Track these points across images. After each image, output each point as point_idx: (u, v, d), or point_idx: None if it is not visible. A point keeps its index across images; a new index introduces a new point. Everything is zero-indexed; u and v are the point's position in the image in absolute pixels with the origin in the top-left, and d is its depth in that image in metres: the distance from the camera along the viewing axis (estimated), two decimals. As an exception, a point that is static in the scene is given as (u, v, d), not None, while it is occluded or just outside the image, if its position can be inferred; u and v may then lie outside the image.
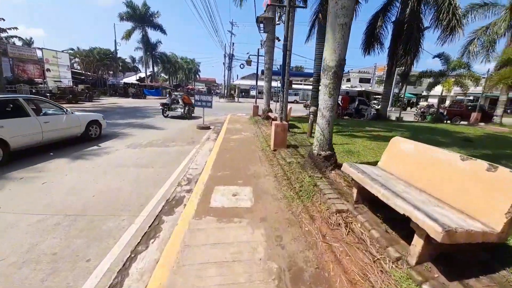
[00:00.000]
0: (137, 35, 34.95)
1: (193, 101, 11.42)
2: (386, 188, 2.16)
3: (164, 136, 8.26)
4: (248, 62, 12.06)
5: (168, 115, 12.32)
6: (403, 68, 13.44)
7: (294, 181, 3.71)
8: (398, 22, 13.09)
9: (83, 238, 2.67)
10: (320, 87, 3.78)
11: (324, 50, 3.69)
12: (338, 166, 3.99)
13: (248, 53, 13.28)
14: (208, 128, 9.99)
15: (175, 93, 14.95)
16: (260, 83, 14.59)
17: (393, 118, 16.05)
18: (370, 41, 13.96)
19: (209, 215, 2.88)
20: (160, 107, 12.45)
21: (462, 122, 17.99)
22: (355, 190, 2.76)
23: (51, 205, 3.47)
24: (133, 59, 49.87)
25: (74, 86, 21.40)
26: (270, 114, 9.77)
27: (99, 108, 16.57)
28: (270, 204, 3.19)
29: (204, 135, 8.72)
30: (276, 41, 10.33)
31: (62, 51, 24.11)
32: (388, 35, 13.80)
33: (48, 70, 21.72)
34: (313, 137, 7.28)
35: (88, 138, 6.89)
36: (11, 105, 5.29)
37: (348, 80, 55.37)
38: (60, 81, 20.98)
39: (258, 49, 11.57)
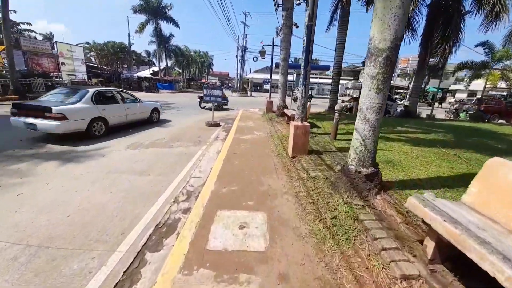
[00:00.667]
0: (150, 28, 34.66)
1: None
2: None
3: (170, 134, 7.52)
4: (262, 53, 10.96)
5: (204, 106, 14.20)
6: (439, 58, 11.72)
7: (324, 207, 2.73)
8: (436, 3, 11.36)
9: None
10: (363, 79, 2.73)
11: (371, 27, 2.62)
12: (384, 186, 2.94)
13: (262, 42, 12.17)
14: (218, 125, 9.15)
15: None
16: (275, 76, 13.44)
17: (424, 115, 14.33)
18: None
19: (203, 267, 1.99)
20: (197, 99, 14.41)
21: (499, 121, 15.87)
22: (430, 243, 1.75)
23: (17, 226, 2.79)
24: (148, 53, 50.00)
25: (88, 80, 21.35)
26: (286, 111, 8.72)
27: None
28: (292, 246, 2.25)
29: (212, 133, 7.89)
30: (294, 28, 9.15)
31: (77, 45, 24.13)
32: (422, 20, 12.10)
33: (63, 63, 21.79)
34: (338, 140, 6.30)
35: (151, 121, 8.87)
36: (108, 95, 7.08)
37: (368, 73, 52.31)
38: (74, 75, 20.99)
39: (273, 38, 10.49)
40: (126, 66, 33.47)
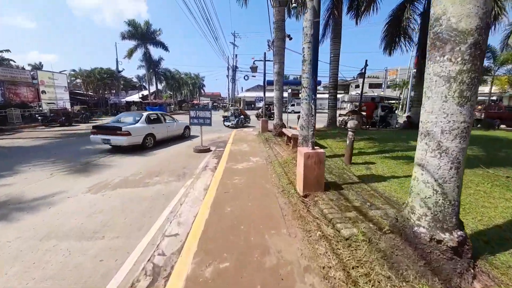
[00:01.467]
0: (139, 53, 34.47)
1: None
2: None
3: (149, 165, 6.25)
4: (254, 69, 10.22)
5: (228, 125, 15.43)
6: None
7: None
8: (429, 12, 10.98)
9: None
10: (425, 82, 1.65)
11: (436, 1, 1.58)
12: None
13: (253, 58, 11.44)
14: (208, 150, 7.95)
15: (231, 108, 18.98)
16: (268, 94, 12.68)
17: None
18: (393, 37, 11.87)
19: None
20: (222, 118, 16.53)
21: (501, 126, 15.28)
22: None
23: None
24: (140, 78, 49.79)
25: (69, 108, 20.15)
26: (284, 130, 7.67)
27: (88, 130, 14.93)
28: None
29: (201, 161, 6.67)
30: (287, 40, 8.43)
31: (60, 72, 23.27)
32: (417, 28, 11.71)
33: (44, 92, 20.69)
34: (354, 164, 5.16)
35: (183, 137, 10.66)
36: (154, 117, 9.00)
37: (357, 86, 53.17)
38: (54, 103, 19.79)
39: (265, 53, 9.77)
40: (114, 91, 32.65)
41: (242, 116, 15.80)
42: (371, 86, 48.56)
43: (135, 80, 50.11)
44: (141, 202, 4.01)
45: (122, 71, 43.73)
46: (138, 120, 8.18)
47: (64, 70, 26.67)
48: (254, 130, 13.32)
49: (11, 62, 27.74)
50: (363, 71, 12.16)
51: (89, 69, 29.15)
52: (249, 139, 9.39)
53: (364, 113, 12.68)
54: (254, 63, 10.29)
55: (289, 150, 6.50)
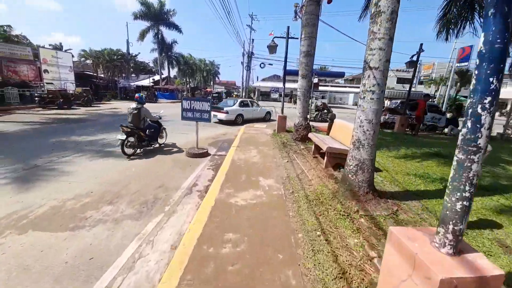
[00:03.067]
0: (152, 35, 32.67)
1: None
2: None
3: (113, 178, 4.34)
4: (272, 49, 7.85)
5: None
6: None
7: None
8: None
9: None
10: None
11: None
12: None
13: (271, 33, 8.86)
14: (204, 155, 5.94)
15: (316, 100, 18.33)
16: (289, 85, 10.21)
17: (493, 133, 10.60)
18: (460, 13, 8.89)
19: None
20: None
21: None
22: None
23: None
24: (156, 62, 48.29)
25: (71, 90, 18.79)
26: (313, 137, 5.15)
27: (84, 115, 13.40)
28: None
29: (189, 175, 4.68)
30: (324, 3, 5.93)
31: (65, 51, 21.96)
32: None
33: (46, 71, 19.44)
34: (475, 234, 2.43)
35: (265, 119, 13.53)
36: (245, 102, 12.87)
37: (383, 80, 48.70)
38: (52, 83, 18.48)
39: (288, 28, 7.26)
40: (125, 74, 31.34)
41: (325, 110, 14.74)
42: (400, 81, 44.03)
43: (151, 65, 48.69)
44: (38, 280, 2.04)
45: (137, 54, 42.46)
46: (234, 104, 11.98)
47: (70, 49, 25.45)
48: (267, 126, 11.08)
49: (23, 41, 26.92)
50: (414, 58, 9.42)
51: (99, 49, 27.85)
52: (261, 141, 7.21)
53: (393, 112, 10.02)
54: (273, 40, 7.87)
55: (320, 170, 4.30)
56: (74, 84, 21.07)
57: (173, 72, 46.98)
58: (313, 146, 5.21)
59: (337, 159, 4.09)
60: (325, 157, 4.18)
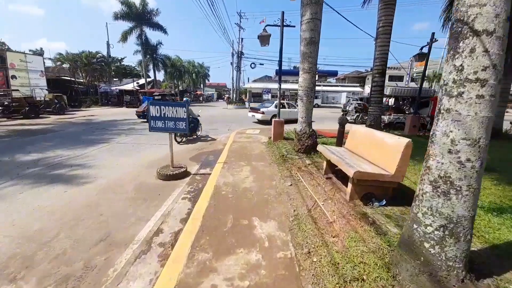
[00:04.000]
0: (135, 36, 30.86)
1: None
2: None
3: (30, 231, 2.91)
4: (264, 39, 6.45)
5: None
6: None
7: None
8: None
9: None
10: None
11: None
12: None
13: (263, 21, 7.66)
14: (181, 175, 4.59)
15: (353, 102, 17.98)
16: (273, 85, 8.78)
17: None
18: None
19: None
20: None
21: None
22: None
23: None
24: (140, 65, 46.08)
25: (38, 96, 16.91)
26: (322, 149, 3.87)
27: (50, 125, 11.69)
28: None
29: (153, 214, 3.31)
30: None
31: (35, 54, 20.02)
32: None
33: (14, 77, 17.50)
34: None
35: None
36: (282, 104, 11.35)
37: (375, 78, 48.45)
38: (18, 90, 16.53)
39: (283, 13, 5.95)
40: (106, 79, 29.38)
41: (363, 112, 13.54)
42: (392, 78, 43.70)
43: (138, 68, 46.41)
44: None
45: (123, 58, 40.36)
46: (270, 106, 13.11)
47: (40, 51, 23.38)
48: (261, 132, 9.76)
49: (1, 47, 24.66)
50: (424, 50, 8.39)
51: (77, 52, 25.82)
52: (255, 153, 5.87)
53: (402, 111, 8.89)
54: (264, 29, 6.50)
55: (342, 202, 2.95)
56: (46, 90, 19.12)
57: (160, 75, 45.13)
58: (324, 163, 3.89)
59: (367, 187, 2.81)
60: (350, 185, 2.87)
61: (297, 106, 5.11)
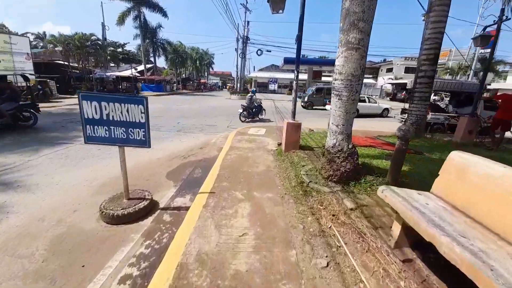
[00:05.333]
0: (132, 18, 28.64)
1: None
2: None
3: None
4: (276, 3, 4.66)
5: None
6: None
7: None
8: None
9: None
10: None
11: None
12: None
13: None
14: (141, 212, 2.83)
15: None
16: (283, 75, 6.68)
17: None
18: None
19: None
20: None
21: None
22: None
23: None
24: (140, 50, 43.91)
25: (19, 82, 15.27)
26: (399, 204, 1.83)
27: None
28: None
29: None
30: None
31: (22, 35, 18.22)
32: None
33: (-5, 59, 15.79)
34: None
35: (381, 116, 14.73)
36: (363, 98, 14.31)
37: (390, 70, 45.44)
38: None
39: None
40: (102, 64, 27.49)
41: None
42: (408, 70, 40.65)
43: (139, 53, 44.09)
44: None
45: (126, 44, 38.10)
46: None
47: (27, 33, 21.56)
48: (267, 132, 7.91)
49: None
50: (486, 31, 6.27)
51: (70, 34, 23.90)
52: (258, 171, 4.05)
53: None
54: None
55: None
56: (32, 75, 17.42)
57: (161, 61, 43.00)
58: (396, 226, 2.00)
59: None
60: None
61: (330, 105, 3.17)
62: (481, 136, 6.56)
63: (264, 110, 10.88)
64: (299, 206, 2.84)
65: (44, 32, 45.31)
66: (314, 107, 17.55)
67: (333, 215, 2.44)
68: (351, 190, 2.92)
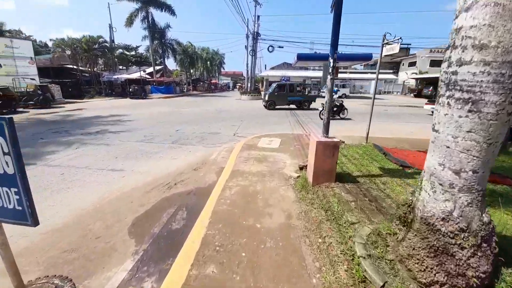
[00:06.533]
0: (140, 19, 27.94)
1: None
2: None
3: None
4: None
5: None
6: None
7: None
8: None
9: None
10: None
11: None
12: None
13: None
14: None
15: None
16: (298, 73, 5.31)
17: None
18: None
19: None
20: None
21: None
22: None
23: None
24: (148, 51, 43.69)
25: (19, 88, 14.68)
26: None
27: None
28: None
29: None
30: None
31: (24, 39, 17.76)
32: None
33: (-3, 64, 15.33)
34: None
35: None
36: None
37: (412, 64, 42.00)
38: None
39: None
40: (108, 67, 27.06)
41: None
42: (434, 64, 37.12)
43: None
44: None
45: (138, 46, 37.80)
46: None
47: (30, 36, 21.22)
48: (283, 146, 6.24)
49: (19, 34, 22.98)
50: None
51: (78, 37, 23.54)
52: (273, 227, 2.40)
53: None
54: None
55: None
56: (35, 80, 16.91)
57: (172, 63, 42.36)
58: None
59: None
60: None
61: (435, 123, 1.55)
62: None
63: (346, 109, 11.00)
64: None
65: (62, 39, 46.40)
66: (276, 107, 14.60)
67: None
68: None
